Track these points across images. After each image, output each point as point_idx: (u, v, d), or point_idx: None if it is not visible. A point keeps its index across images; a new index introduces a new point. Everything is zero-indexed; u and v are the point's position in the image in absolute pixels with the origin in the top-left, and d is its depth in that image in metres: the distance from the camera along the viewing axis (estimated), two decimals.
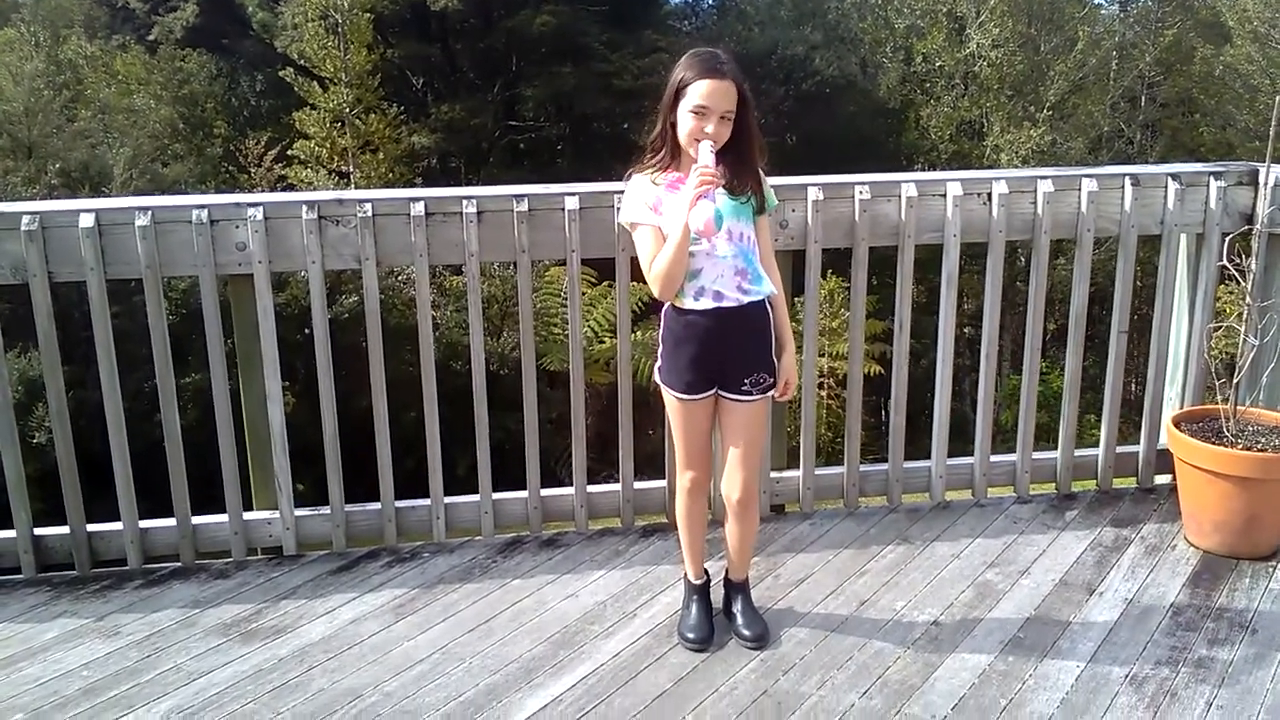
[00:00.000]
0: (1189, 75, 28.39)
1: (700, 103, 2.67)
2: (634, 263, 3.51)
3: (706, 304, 2.78)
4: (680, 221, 2.69)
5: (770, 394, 2.91)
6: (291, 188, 21.73)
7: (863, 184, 3.58)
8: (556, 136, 29.23)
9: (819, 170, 3.94)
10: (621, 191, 3.39)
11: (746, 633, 3.01)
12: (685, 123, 2.72)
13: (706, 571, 3.16)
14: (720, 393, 2.90)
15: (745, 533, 3.05)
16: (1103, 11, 30.65)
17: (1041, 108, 26.08)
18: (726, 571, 3.16)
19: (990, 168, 24.30)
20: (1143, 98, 29.19)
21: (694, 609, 3.08)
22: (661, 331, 2.93)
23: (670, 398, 2.94)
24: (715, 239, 2.73)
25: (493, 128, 27.45)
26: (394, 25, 26.46)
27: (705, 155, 2.66)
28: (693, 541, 3.10)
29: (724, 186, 2.73)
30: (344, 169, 22.64)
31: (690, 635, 3.01)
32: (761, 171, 2.88)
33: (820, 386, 18.63)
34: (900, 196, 3.60)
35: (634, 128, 26.85)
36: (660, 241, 2.79)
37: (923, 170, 25.90)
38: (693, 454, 2.98)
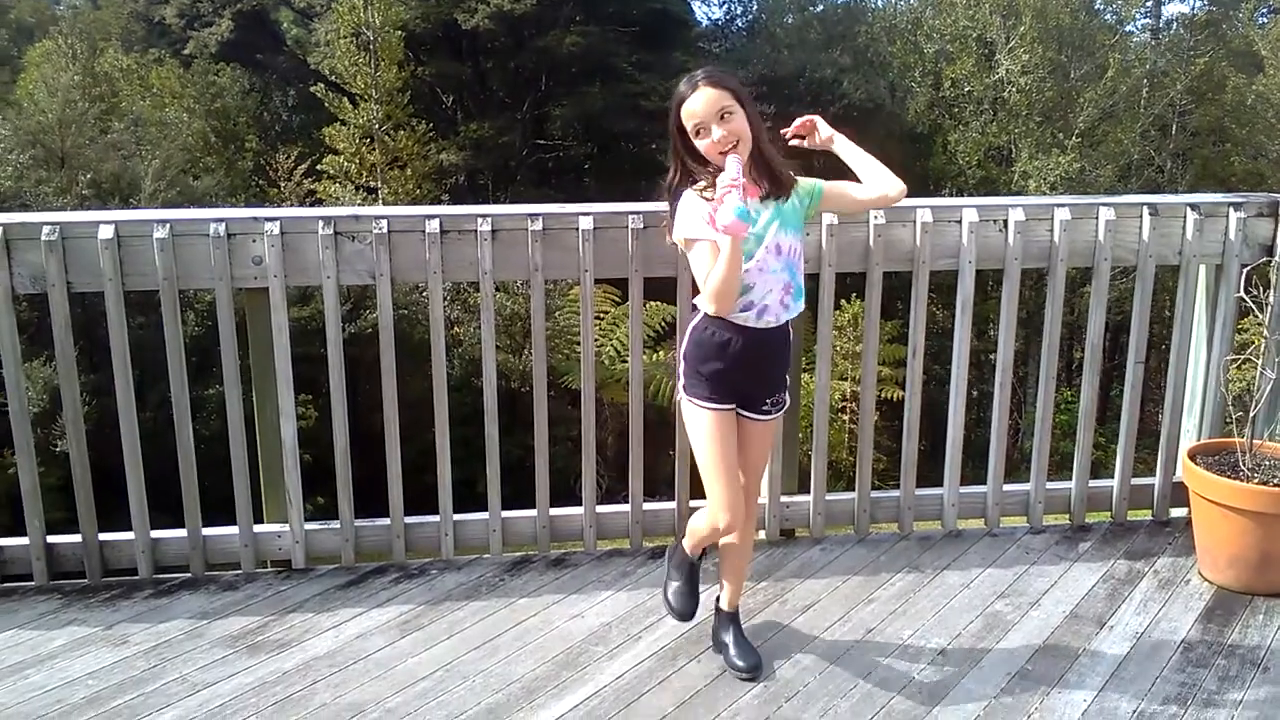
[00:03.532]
0: (1220, 104, 28.11)
1: (692, 123, 2.68)
2: (649, 283, 3.53)
3: (750, 319, 2.74)
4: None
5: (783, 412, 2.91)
6: (320, 202, 21.87)
7: (877, 209, 3.57)
8: (584, 156, 29.33)
9: None
10: (638, 212, 3.43)
11: (740, 663, 2.97)
12: (702, 148, 2.71)
13: (703, 555, 3.12)
14: (739, 411, 2.86)
15: (742, 553, 3.04)
16: (1134, 39, 30.41)
17: (1071, 134, 25.86)
18: (717, 600, 3.13)
19: (1018, 194, 24.24)
20: (1174, 126, 28.95)
21: (683, 581, 3.07)
22: (685, 347, 2.85)
23: (699, 411, 2.80)
24: (767, 252, 2.72)
25: (521, 146, 27.60)
26: (425, 43, 26.67)
27: (730, 166, 2.63)
28: (705, 545, 3.06)
29: (757, 192, 2.73)
30: (372, 184, 22.77)
31: (675, 604, 3.04)
32: (786, 171, 2.84)
33: (843, 411, 18.54)
34: (915, 222, 3.58)
35: (661, 148, 26.86)
36: (716, 256, 2.72)
37: (950, 195, 25.75)
38: (730, 483, 2.78)
